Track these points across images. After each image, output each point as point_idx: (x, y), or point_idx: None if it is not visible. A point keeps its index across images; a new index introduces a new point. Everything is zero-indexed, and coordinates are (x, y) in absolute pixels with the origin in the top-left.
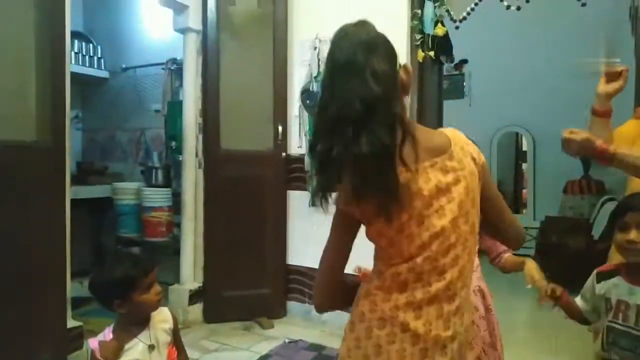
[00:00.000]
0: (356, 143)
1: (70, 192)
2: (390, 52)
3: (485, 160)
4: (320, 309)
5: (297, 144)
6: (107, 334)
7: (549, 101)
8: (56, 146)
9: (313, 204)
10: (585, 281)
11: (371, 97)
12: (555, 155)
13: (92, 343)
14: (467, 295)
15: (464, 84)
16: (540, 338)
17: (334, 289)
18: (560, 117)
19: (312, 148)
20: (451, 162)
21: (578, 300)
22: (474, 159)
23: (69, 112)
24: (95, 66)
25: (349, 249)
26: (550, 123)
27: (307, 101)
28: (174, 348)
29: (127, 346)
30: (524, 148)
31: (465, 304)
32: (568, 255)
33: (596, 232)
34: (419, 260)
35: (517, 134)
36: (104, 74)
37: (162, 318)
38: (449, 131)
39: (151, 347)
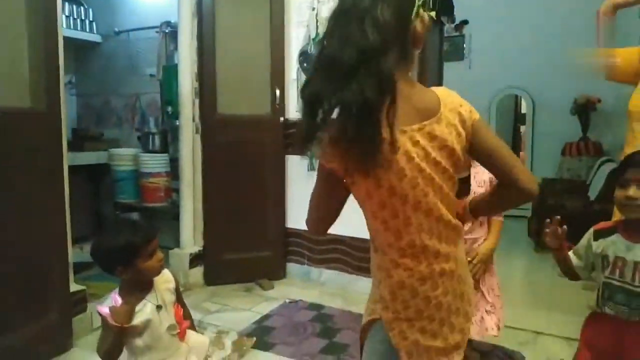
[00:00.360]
0: (343, 90)
1: (68, 158)
2: (402, 1)
3: (478, 118)
4: (318, 235)
5: (296, 108)
6: (115, 299)
7: (549, 64)
8: (51, 112)
9: (312, 167)
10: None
11: (366, 46)
12: (554, 118)
13: (102, 309)
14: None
15: (464, 45)
16: (535, 295)
17: (325, 227)
18: (560, 80)
19: (302, 89)
20: (439, 125)
21: (571, 256)
22: (463, 121)
23: (62, 77)
24: (88, 30)
25: (337, 205)
26: (550, 86)
27: (305, 64)
28: (179, 306)
29: (137, 308)
30: (523, 111)
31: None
32: (564, 217)
33: (593, 194)
34: (409, 212)
35: (516, 96)
36: (96, 37)
37: (165, 279)
38: (441, 91)
39: (159, 307)
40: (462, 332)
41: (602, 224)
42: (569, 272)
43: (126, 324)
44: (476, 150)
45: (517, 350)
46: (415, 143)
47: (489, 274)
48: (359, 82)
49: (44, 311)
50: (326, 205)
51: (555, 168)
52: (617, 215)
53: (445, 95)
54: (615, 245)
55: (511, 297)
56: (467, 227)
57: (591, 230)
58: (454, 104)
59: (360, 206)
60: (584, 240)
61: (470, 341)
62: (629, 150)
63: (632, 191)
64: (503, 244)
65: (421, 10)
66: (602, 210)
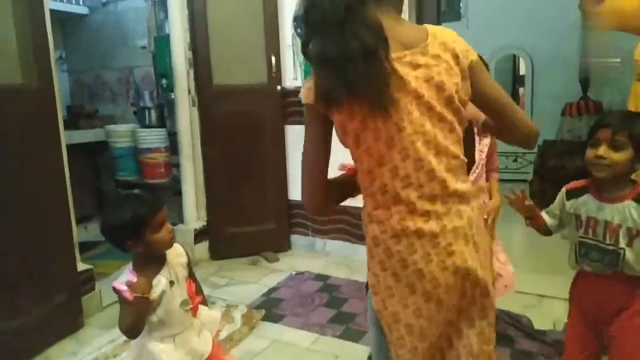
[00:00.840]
0: (346, 46)
1: (65, 136)
2: None
3: (475, 59)
4: (314, 212)
5: (292, 75)
6: (130, 275)
7: (547, 24)
8: (44, 88)
9: None
10: None
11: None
12: (553, 78)
13: (118, 285)
14: (467, 188)
15: (461, 4)
16: (538, 258)
17: (322, 188)
18: (558, 40)
19: (304, 50)
20: (423, 56)
21: (544, 215)
22: (456, 56)
23: (52, 52)
24: (73, 2)
25: (328, 144)
26: (549, 46)
27: (299, 30)
28: (191, 281)
29: (153, 282)
30: (522, 72)
31: (472, 193)
32: (566, 178)
33: None
34: (397, 161)
35: (514, 56)
36: (83, 10)
37: (177, 253)
38: (434, 27)
39: (171, 283)
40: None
41: (573, 184)
42: (542, 230)
43: (147, 294)
44: (473, 94)
45: (522, 313)
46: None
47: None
48: (353, 34)
49: (52, 292)
50: (317, 148)
51: (555, 130)
52: None
53: (438, 30)
54: (586, 205)
55: (514, 261)
56: (472, 175)
57: (563, 189)
58: (445, 38)
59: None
60: (557, 199)
61: None
62: (632, 104)
63: (601, 150)
64: (504, 207)
65: None
66: None
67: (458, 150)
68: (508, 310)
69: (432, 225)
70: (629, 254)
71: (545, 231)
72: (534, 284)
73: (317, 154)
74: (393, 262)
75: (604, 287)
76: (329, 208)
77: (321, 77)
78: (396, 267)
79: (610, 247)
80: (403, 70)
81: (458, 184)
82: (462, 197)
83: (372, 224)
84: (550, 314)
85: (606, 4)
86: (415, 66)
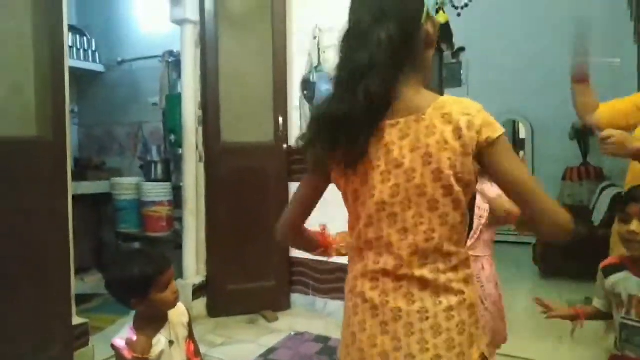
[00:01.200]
0: (338, 108)
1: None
2: (404, 13)
3: (495, 137)
4: (280, 244)
5: (298, 135)
6: (130, 332)
7: (545, 89)
8: (57, 141)
9: None
10: (586, 267)
11: (355, 66)
12: (553, 142)
13: (118, 343)
14: (440, 275)
15: (461, 72)
16: (542, 324)
17: (293, 234)
18: (557, 104)
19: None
20: (417, 124)
21: (595, 302)
22: (459, 129)
23: (68, 107)
24: (90, 60)
25: (317, 192)
26: (548, 110)
27: (306, 92)
28: (191, 341)
29: (153, 341)
30: (522, 136)
31: (439, 284)
32: (569, 243)
33: (596, 219)
34: (361, 225)
35: (514, 122)
36: (99, 67)
37: (179, 312)
38: (450, 98)
39: (171, 343)
40: None
41: (608, 261)
42: (600, 317)
43: (146, 355)
44: (492, 175)
45: None
46: (381, 139)
47: (491, 282)
48: (349, 100)
49: (47, 345)
50: (307, 197)
51: (557, 193)
52: (615, 247)
53: (451, 101)
54: (626, 282)
55: (518, 326)
56: (469, 242)
57: (600, 268)
58: (453, 109)
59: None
60: (598, 280)
61: None
62: (631, 176)
63: (634, 226)
64: (507, 270)
65: (430, 13)
66: (606, 235)
67: (440, 231)
68: None
69: (374, 295)
70: None
71: (603, 316)
72: (538, 351)
73: (303, 196)
74: (345, 316)
75: None
76: (295, 247)
77: (314, 134)
78: (345, 322)
79: None
80: (390, 138)
81: (425, 271)
82: (425, 286)
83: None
84: None
85: (600, 109)
86: (405, 135)
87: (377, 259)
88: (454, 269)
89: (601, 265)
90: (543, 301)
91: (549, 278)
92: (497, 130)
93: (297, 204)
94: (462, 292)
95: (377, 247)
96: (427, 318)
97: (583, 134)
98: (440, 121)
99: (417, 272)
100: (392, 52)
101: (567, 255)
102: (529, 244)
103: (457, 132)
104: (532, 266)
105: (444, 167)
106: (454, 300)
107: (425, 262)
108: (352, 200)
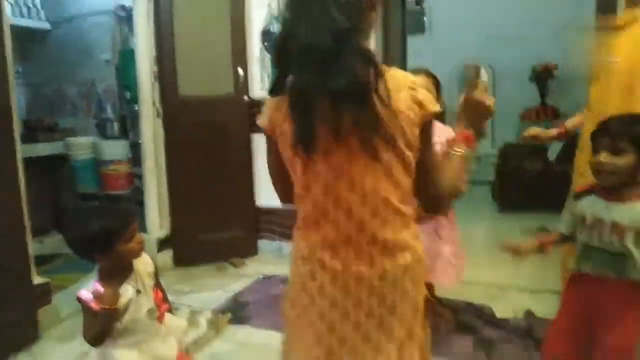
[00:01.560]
0: (331, 78)
1: (21, 150)
2: None
3: (434, 112)
4: (286, 203)
5: (260, 86)
6: (96, 286)
7: (506, 34)
8: (1, 104)
9: None
10: (542, 200)
11: (338, 28)
12: (513, 85)
13: (84, 295)
14: (397, 235)
15: (425, 18)
16: (500, 253)
17: (290, 189)
18: (517, 49)
19: (275, 84)
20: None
21: (561, 225)
22: (419, 103)
23: (11, 67)
24: (36, 17)
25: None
26: (508, 55)
27: (266, 43)
28: (158, 289)
29: (120, 291)
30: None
31: (397, 243)
32: (526, 178)
33: (552, 156)
34: (319, 194)
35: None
36: (45, 25)
37: (144, 262)
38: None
39: (138, 292)
40: None
41: (580, 187)
42: (565, 241)
43: (114, 305)
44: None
45: (485, 304)
46: None
47: (450, 225)
48: (346, 65)
49: (6, 306)
50: (278, 160)
51: (516, 133)
52: (577, 178)
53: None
54: (594, 204)
55: (478, 255)
56: None
57: (572, 194)
58: (408, 86)
59: None
60: (567, 206)
61: (440, 299)
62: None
63: (602, 157)
64: (467, 208)
65: None
66: (561, 171)
67: (395, 193)
68: (471, 301)
69: (335, 264)
70: (638, 257)
71: (566, 239)
72: (496, 276)
73: (279, 170)
74: (298, 280)
75: (603, 292)
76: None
77: (300, 120)
78: (299, 286)
79: (617, 250)
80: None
81: (387, 232)
82: (385, 248)
83: (293, 240)
84: (512, 303)
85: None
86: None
87: (337, 229)
88: (407, 225)
89: (575, 191)
90: (511, 245)
91: (506, 212)
92: (435, 104)
93: (274, 166)
94: (415, 248)
95: (335, 213)
96: (386, 277)
97: (541, 77)
98: (401, 97)
99: (379, 234)
100: (358, 11)
101: (524, 189)
102: (487, 181)
103: (418, 105)
104: (491, 202)
105: (401, 132)
106: (409, 257)
107: (386, 222)
108: (310, 167)
